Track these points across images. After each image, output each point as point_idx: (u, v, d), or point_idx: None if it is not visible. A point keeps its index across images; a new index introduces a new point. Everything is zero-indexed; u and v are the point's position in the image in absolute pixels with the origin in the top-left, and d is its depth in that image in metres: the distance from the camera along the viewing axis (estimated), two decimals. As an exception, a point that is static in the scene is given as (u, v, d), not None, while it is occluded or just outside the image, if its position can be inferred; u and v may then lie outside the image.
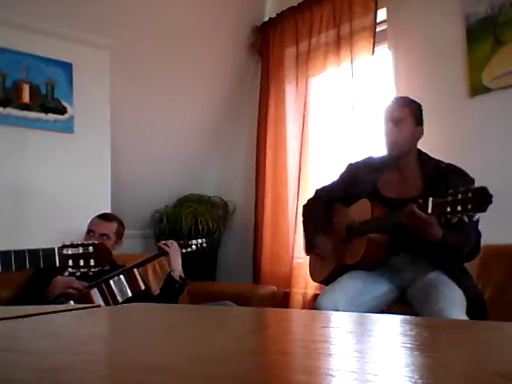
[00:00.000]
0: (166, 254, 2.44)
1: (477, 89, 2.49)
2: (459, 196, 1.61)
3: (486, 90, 2.46)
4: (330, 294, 2.03)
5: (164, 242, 2.49)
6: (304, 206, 2.46)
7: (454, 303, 1.82)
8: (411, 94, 2.75)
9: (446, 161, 2.08)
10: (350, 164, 2.34)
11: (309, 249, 2.34)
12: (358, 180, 2.20)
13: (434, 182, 2.01)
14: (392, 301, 2.12)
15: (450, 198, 1.64)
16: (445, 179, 1.98)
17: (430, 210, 1.73)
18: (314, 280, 2.44)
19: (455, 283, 1.93)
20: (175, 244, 2.46)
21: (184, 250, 2.51)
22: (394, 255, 2.09)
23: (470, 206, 1.58)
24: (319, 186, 2.45)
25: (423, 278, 2.00)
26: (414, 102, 2.13)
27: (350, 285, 2.07)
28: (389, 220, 2.01)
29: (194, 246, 2.55)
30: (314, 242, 2.28)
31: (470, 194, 1.58)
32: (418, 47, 2.76)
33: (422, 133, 2.11)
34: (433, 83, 2.67)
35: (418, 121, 2.10)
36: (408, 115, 2.07)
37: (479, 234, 1.94)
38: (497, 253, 2.18)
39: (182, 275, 2.44)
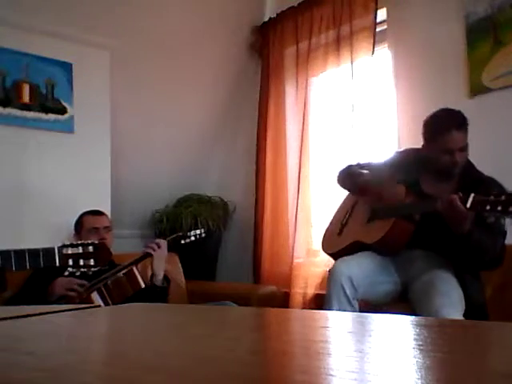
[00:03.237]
0: (150, 255, 2.34)
1: (477, 89, 2.49)
2: (502, 197, 1.64)
3: (486, 90, 2.46)
4: (347, 262, 2.09)
5: (151, 243, 2.38)
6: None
7: (451, 302, 1.83)
8: (411, 93, 2.76)
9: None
10: (398, 152, 2.34)
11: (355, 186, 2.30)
12: (402, 167, 2.19)
13: (470, 191, 1.99)
14: (395, 294, 2.14)
15: (492, 198, 1.66)
16: (482, 190, 1.98)
17: (468, 205, 1.75)
18: (325, 250, 2.42)
19: (459, 284, 1.93)
20: (163, 246, 2.37)
21: (183, 241, 2.50)
22: (408, 249, 2.11)
23: (511, 209, 1.60)
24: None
25: (427, 274, 2.00)
26: (462, 113, 2.02)
27: (366, 262, 2.12)
28: (421, 206, 2.02)
29: (192, 237, 2.52)
30: (359, 177, 2.24)
31: None
32: (418, 47, 2.76)
33: None
34: (433, 83, 2.67)
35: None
36: (467, 137, 2.01)
37: (504, 246, 1.94)
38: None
39: (166, 275, 2.38)
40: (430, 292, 1.88)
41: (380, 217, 2.15)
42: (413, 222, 2.05)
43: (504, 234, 1.93)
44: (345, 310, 2.03)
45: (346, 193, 2.43)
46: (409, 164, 2.19)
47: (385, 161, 2.33)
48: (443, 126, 2.00)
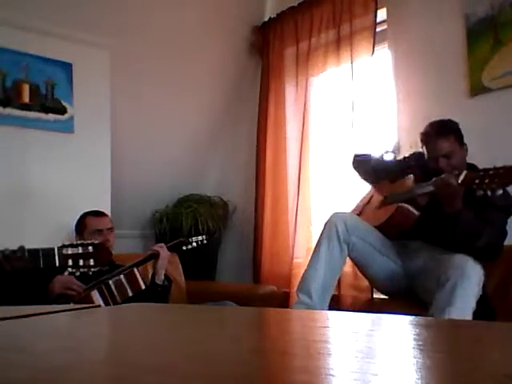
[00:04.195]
0: (157, 256, 2.36)
1: (477, 89, 2.49)
2: (491, 172, 1.71)
3: (486, 90, 2.46)
4: (345, 213, 2.24)
5: (155, 245, 2.44)
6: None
7: (465, 273, 1.76)
8: (411, 94, 2.76)
9: None
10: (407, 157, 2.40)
11: None
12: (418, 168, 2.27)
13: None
14: (396, 276, 2.16)
15: (481, 173, 1.74)
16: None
17: (460, 180, 1.83)
18: None
19: None
20: (166, 249, 2.40)
21: (185, 247, 2.50)
22: (412, 240, 2.15)
23: (496, 180, 1.67)
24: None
25: (432, 263, 2.01)
26: (453, 123, 2.13)
27: (367, 224, 2.20)
28: (420, 188, 2.08)
29: (194, 243, 2.53)
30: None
31: (501, 171, 1.69)
32: (418, 47, 2.76)
33: (467, 149, 2.14)
34: (433, 83, 2.67)
35: (462, 141, 2.13)
36: (455, 144, 2.09)
37: (503, 234, 1.98)
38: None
39: (167, 275, 2.41)
40: (438, 264, 1.89)
41: (388, 203, 2.23)
42: (417, 208, 2.11)
43: (503, 222, 1.98)
44: (332, 251, 2.06)
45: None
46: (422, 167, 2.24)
47: (393, 160, 2.42)
48: (426, 136, 2.15)
